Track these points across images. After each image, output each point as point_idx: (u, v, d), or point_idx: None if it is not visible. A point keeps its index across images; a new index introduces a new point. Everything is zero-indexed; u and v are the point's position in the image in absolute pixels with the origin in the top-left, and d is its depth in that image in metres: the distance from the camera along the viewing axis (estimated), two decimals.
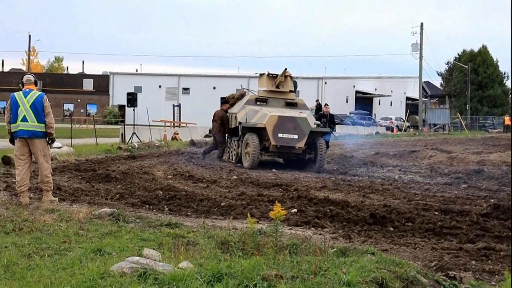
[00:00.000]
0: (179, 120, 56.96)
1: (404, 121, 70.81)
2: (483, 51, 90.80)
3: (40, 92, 11.24)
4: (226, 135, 23.20)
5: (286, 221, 9.66)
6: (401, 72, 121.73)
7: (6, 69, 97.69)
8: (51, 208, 10.18)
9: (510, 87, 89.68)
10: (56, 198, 11.34)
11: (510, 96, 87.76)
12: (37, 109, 10.96)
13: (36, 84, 11.40)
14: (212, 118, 23.38)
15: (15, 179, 11.32)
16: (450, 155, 24.87)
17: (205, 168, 19.09)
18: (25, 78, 11.37)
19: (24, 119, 10.93)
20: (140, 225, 8.97)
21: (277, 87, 21.75)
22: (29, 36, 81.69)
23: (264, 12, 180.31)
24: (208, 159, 22.25)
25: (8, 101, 11.18)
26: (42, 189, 11.24)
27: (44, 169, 11.10)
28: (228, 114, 22.80)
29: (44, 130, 11.06)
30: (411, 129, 68.40)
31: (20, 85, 11.34)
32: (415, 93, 78.21)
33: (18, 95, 11.06)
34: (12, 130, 11.12)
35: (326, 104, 28.61)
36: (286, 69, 21.76)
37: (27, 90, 11.11)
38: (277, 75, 21.91)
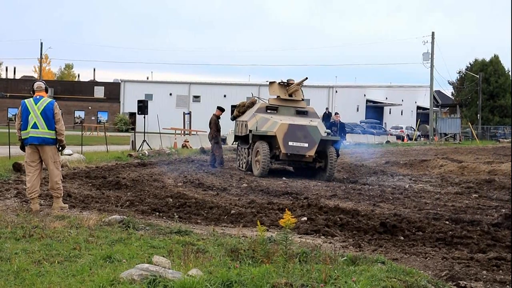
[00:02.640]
0: (190, 128, 57.05)
1: (414, 130, 70.64)
2: (495, 60, 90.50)
3: (50, 99, 11.27)
4: (219, 140, 23.68)
5: (296, 229, 9.64)
6: (412, 81, 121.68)
7: (18, 76, 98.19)
8: (61, 215, 10.21)
9: (511, 96, 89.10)
10: (67, 205, 11.36)
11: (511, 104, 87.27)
12: (48, 116, 10.99)
13: (46, 91, 11.43)
14: None
15: (26, 185, 11.36)
16: (461, 165, 24.80)
17: (215, 176, 19.10)
18: (35, 85, 11.41)
19: (35, 126, 10.97)
20: (150, 232, 8.97)
21: (290, 95, 21.75)
22: (41, 44, 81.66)
23: (275, 21, 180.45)
24: (218, 167, 22.27)
25: (19, 108, 11.23)
26: (53, 195, 11.26)
27: (54, 176, 11.13)
28: (237, 122, 22.90)
29: (54, 137, 11.10)
30: (422, 138, 68.24)
31: (31, 92, 11.39)
32: (426, 102, 78.08)
33: (29, 102, 11.11)
34: (22, 137, 11.16)
35: (336, 113, 28.62)
36: (306, 78, 21.79)
37: (38, 97, 11.15)
38: (287, 83, 21.91)
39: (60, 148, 11.47)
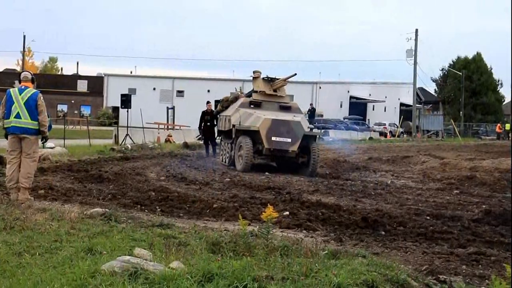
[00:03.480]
0: (173, 122, 56.93)
1: (397, 126, 70.91)
2: (477, 58, 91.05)
3: (35, 90, 11.24)
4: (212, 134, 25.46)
5: (278, 223, 9.66)
6: (396, 78, 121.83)
7: (0, 69, 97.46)
8: (42, 207, 10.16)
9: (510, 94, 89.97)
10: (32, 198, 11.26)
11: (511, 102, 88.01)
12: (31, 106, 10.99)
13: (33, 81, 11.40)
14: None
15: (6, 175, 11.32)
16: (443, 161, 24.91)
17: (198, 170, 19.10)
18: (22, 75, 11.45)
19: (18, 116, 10.96)
20: (132, 225, 8.95)
21: (275, 90, 21.78)
22: (24, 36, 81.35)
23: (258, 16, 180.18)
24: (200, 161, 22.29)
25: (4, 97, 11.20)
26: (20, 185, 11.04)
27: (28, 166, 11.05)
28: (220, 117, 23.00)
29: (37, 128, 11.07)
30: (405, 135, 68.46)
31: (17, 82, 11.37)
32: (409, 99, 78.32)
33: (14, 91, 11.10)
34: (5, 126, 11.15)
35: None
36: (295, 74, 21.83)
37: (23, 87, 11.15)
38: (271, 78, 21.93)
39: (43, 140, 11.44)
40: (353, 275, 6.06)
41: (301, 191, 14.75)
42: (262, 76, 22.10)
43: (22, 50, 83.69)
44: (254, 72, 22.38)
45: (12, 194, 10.97)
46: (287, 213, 11.00)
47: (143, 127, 33.78)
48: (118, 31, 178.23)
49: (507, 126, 70.53)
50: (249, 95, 22.39)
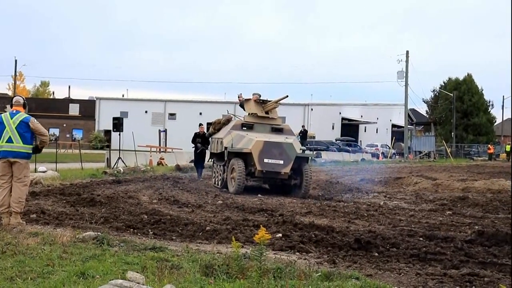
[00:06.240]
0: (165, 145, 56.94)
1: (389, 148, 71.02)
2: (468, 79, 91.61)
3: (26, 115, 11.24)
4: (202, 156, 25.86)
5: (271, 245, 9.65)
6: (387, 99, 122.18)
7: None
8: (34, 232, 10.11)
9: (511, 114, 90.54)
10: (24, 222, 11.21)
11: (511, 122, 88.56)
12: (22, 130, 10.97)
13: (24, 106, 11.42)
14: None
15: None
16: (435, 182, 24.99)
17: (191, 193, 19.06)
18: (14, 99, 11.46)
19: (9, 140, 10.95)
20: (124, 249, 8.92)
21: (266, 113, 21.77)
22: (15, 61, 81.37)
23: (249, 41, 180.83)
24: (193, 184, 22.26)
25: None
26: (12, 210, 10.98)
27: (19, 191, 11.02)
28: (212, 139, 23.01)
29: (29, 151, 11.10)
30: (397, 156, 68.55)
31: (9, 106, 11.37)
32: (400, 120, 78.65)
33: (5, 116, 11.12)
34: None
35: None
36: (287, 96, 21.83)
37: (14, 111, 11.15)
38: (263, 100, 21.95)
39: (39, 147, 11.42)
40: None
41: (293, 213, 14.73)
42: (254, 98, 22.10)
43: (13, 74, 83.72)
44: (253, 94, 22.37)
45: (3, 219, 10.93)
46: (280, 235, 10.99)
47: (135, 150, 33.71)
48: (109, 55, 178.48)
49: (507, 148, 70.88)
50: (241, 104, 22.42)
